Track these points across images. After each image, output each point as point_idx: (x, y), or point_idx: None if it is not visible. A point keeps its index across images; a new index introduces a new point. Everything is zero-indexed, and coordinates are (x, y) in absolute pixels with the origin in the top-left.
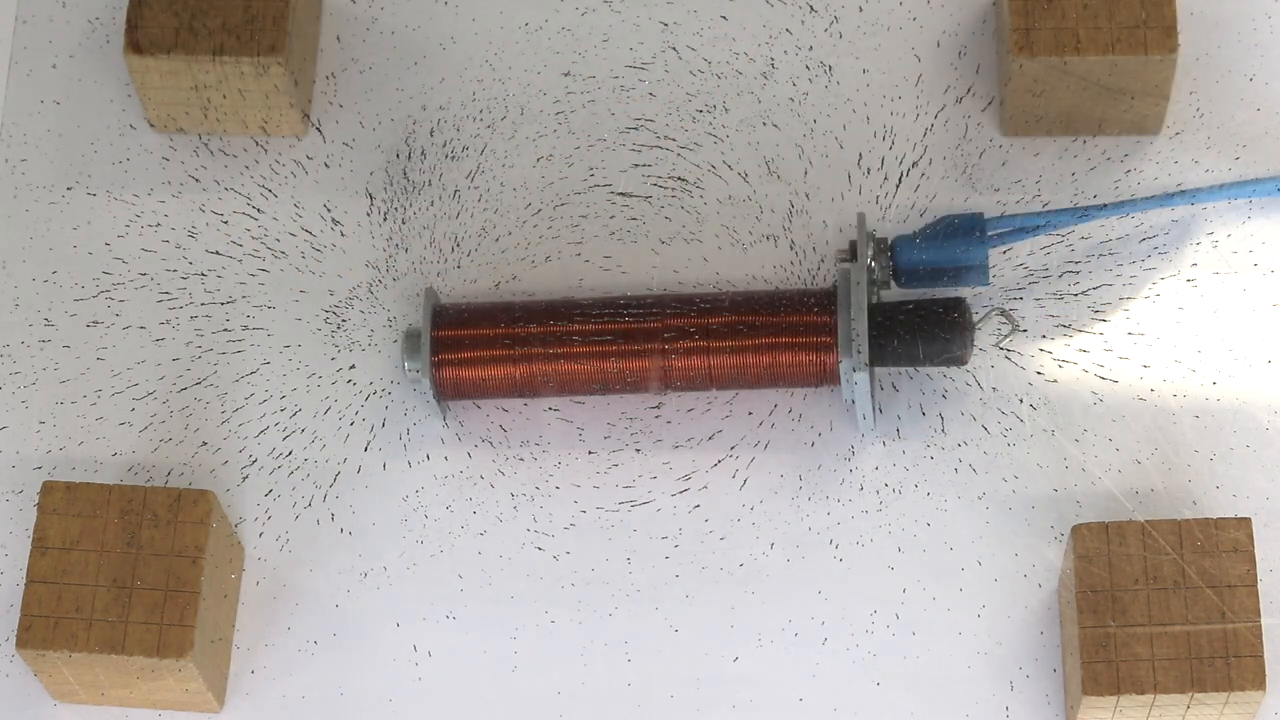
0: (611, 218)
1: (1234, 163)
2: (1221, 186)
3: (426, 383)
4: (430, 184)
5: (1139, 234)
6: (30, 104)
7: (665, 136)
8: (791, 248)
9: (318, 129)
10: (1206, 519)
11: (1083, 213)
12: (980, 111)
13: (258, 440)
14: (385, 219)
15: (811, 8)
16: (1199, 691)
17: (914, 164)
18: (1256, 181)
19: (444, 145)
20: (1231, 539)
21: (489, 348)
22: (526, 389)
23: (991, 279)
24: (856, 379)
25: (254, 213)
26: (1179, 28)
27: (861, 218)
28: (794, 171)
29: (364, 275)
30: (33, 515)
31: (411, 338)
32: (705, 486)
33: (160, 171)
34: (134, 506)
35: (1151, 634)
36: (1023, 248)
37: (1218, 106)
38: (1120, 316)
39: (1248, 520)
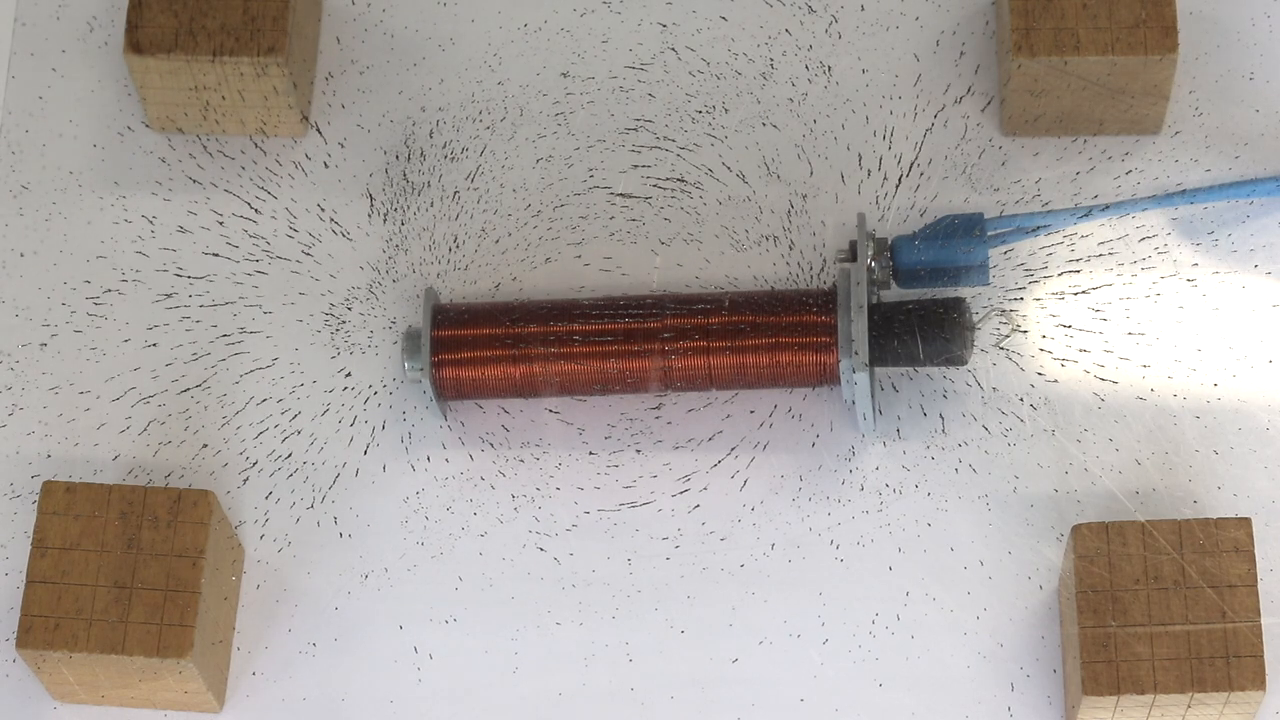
0: (611, 219)
1: (1234, 163)
2: (1221, 186)
3: (427, 383)
4: (430, 185)
5: (1139, 234)
6: (30, 104)
7: (665, 137)
8: (791, 248)
9: (317, 130)
10: (1207, 519)
11: (1083, 213)
12: (980, 111)
13: (258, 442)
14: (385, 220)
15: (811, 8)
16: (1199, 691)
17: (914, 164)
18: (1256, 181)
19: (443, 146)
20: (1232, 539)
21: (489, 348)
22: (526, 389)
23: (991, 279)
24: (856, 379)
25: (253, 214)
26: (1179, 27)
27: (861, 218)
28: (794, 171)
29: (364, 276)
30: (33, 516)
31: (412, 338)
32: (705, 487)
33: (159, 172)
34: (134, 507)
35: (1152, 634)
36: (1023, 248)
37: (1217, 106)
38: (1120, 316)
39: (1248, 520)
